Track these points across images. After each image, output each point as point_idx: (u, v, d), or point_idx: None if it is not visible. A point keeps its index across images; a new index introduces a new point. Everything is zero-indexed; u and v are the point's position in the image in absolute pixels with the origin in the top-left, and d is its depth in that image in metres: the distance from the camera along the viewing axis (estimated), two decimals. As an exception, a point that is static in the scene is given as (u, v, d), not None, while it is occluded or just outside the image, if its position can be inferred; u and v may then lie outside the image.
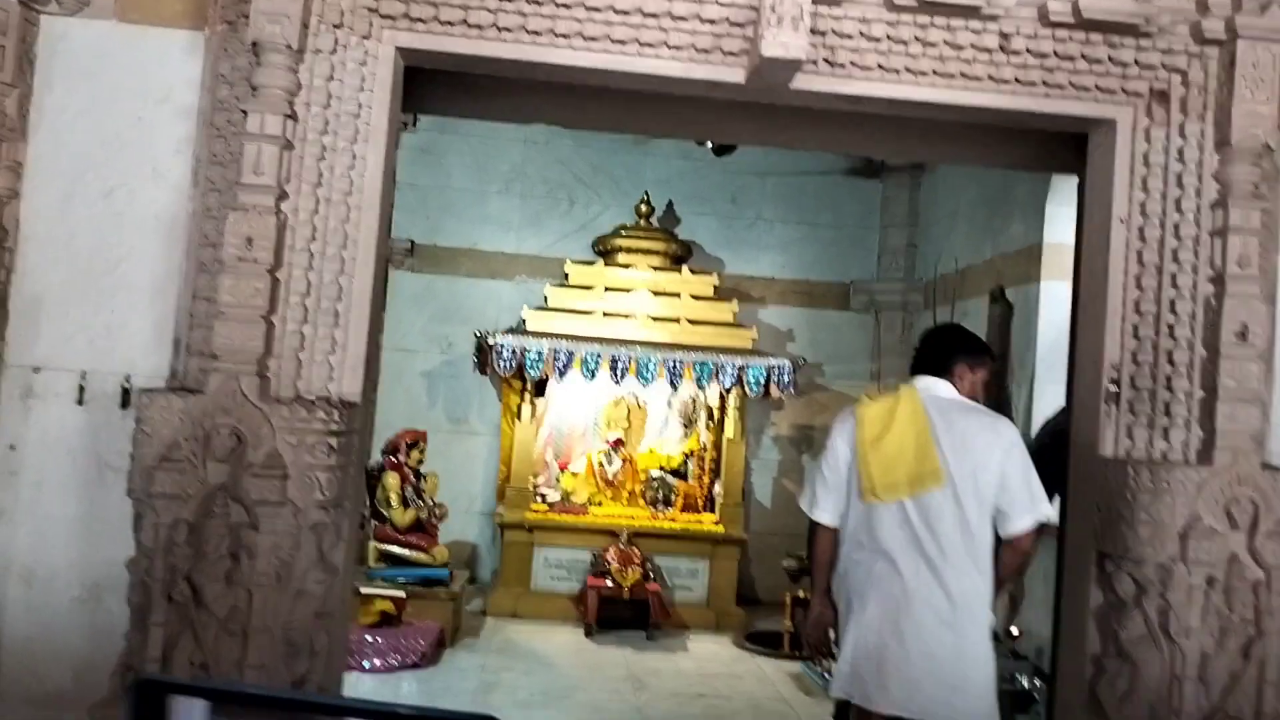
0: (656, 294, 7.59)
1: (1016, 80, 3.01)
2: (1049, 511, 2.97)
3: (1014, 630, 5.79)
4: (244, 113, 2.90)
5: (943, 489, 2.81)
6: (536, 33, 2.98)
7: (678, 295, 7.62)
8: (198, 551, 2.86)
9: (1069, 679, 3.25)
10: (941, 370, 3.05)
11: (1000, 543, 2.94)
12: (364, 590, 6.30)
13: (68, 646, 3.13)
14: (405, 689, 5.59)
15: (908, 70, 3.00)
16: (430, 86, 3.33)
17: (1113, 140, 3.09)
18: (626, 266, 7.70)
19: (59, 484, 3.14)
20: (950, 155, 4.27)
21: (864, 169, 8.62)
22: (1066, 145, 3.36)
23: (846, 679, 2.92)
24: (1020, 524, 2.91)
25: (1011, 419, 5.89)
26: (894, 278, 8.45)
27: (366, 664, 5.81)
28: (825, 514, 3.04)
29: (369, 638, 5.93)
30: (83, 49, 3.11)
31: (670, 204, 8.41)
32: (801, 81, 3.02)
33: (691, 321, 7.48)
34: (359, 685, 5.57)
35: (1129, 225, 3.06)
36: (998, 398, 5.85)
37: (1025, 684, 5.04)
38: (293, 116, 2.92)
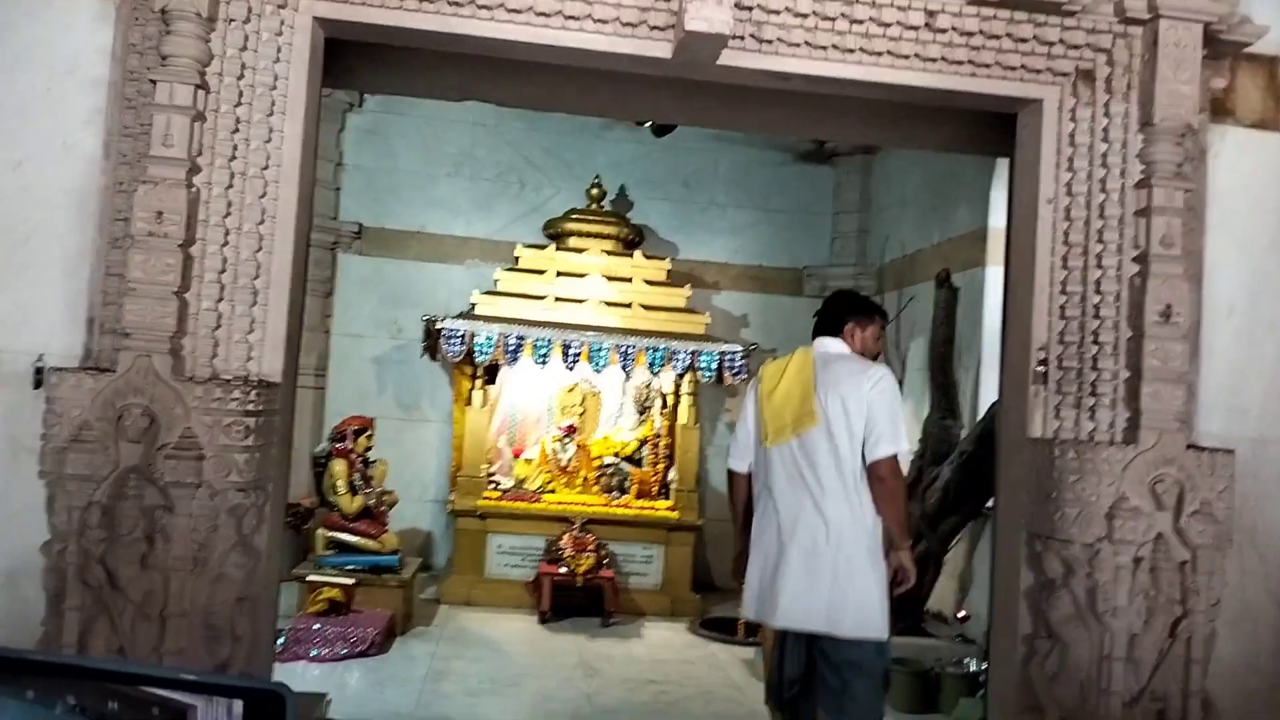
0: (609, 279, 7.53)
1: (943, 59, 3.00)
2: (908, 448, 3.17)
3: (962, 613, 5.84)
4: (153, 83, 2.82)
5: (819, 426, 3.08)
6: (459, 4, 2.92)
7: (630, 280, 7.56)
8: (112, 534, 2.79)
9: (1002, 660, 3.26)
10: (835, 330, 3.31)
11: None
12: (311, 578, 6.22)
13: (-18, 634, 3.04)
14: (353, 678, 5.52)
15: (835, 47, 2.97)
16: (353, 59, 3.26)
17: (1040, 120, 3.08)
18: (578, 251, 7.64)
19: (-30, 467, 3.05)
20: (882, 136, 4.26)
21: (816, 154, 8.62)
22: (997, 126, 3.35)
23: (751, 600, 3.24)
24: (878, 451, 3.05)
25: (958, 403, 5.94)
26: (846, 263, 8.46)
27: (314, 653, 5.72)
28: (737, 462, 3.37)
29: (316, 626, 5.84)
30: (-15, 18, 3.01)
31: (623, 188, 8.36)
32: (728, 58, 2.99)
33: (644, 307, 7.43)
34: (306, 674, 5.50)
35: (1056, 205, 3.06)
36: (944, 382, 5.87)
37: (973, 667, 5.08)
38: (204, 87, 2.84)
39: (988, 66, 3.03)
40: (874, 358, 3.32)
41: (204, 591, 2.86)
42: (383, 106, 8.06)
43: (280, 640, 5.69)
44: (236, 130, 2.92)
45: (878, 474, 3.05)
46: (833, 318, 3.33)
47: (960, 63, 3.02)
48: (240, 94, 2.92)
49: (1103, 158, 3.01)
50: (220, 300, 2.93)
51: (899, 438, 3.07)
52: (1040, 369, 3.09)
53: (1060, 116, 3.07)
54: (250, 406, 2.86)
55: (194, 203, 2.85)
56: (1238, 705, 3.15)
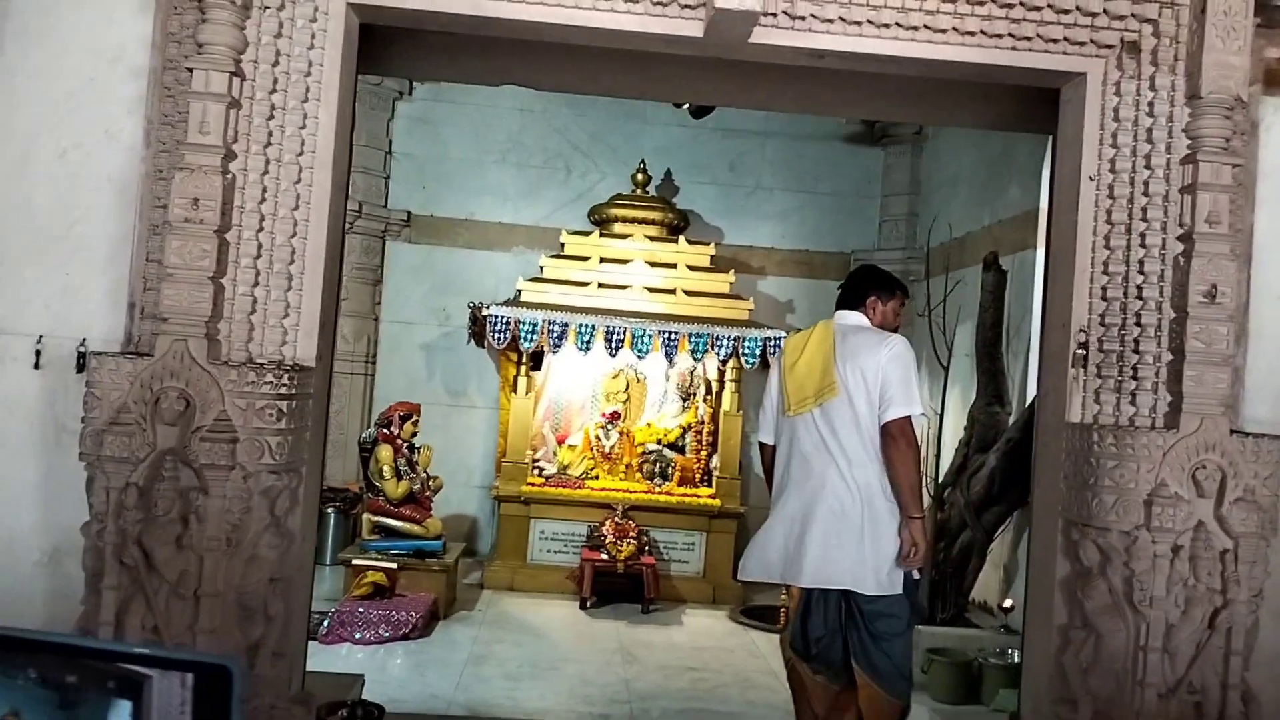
0: (653, 265, 7.51)
1: (982, 32, 2.92)
2: (920, 410, 3.26)
3: (1007, 603, 5.73)
4: (190, 71, 2.86)
5: (839, 396, 3.22)
6: (489, -13, 2.93)
7: (674, 266, 7.54)
8: (148, 515, 2.85)
9: (1036, 650, 3.19)
10: (857, 304, 3.45)
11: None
12: (356, 562, 6.32)
13: (29, 610, 3.13)
14: (395, 660, 5.60)
15: (869, 23, 2.92)
16: (387, 45, 3.29)
17: (1083, 94, 2.99)
18: (623, 237, 7.63)
19: (18, 448, 3.14)
20: (923, 114, 4.19)
21: (864, 135, 8.49)
22: (1041, 102, 3.26)
23: (774, 562, 3.32)
24: (891, 412, 3.18)
25: (1006, 390, 5.82)
26: (895, 247, 8.31)
27: (358, 635, 5.81)
28: (765, 435, 3.56)
29: (360, 609, 5.93)
30: (33, 9, 3.08)
31: (668, 173, 8.33)
32: (760, 35, 2.95)
33: (688, 293, 7.40)
34: (350, 657, 5.59)
35: (1099, 182, 2.97)
36: (991, 368, 5.75)
37: (1016, 658, 4.99)
38: (239, 74, 2.88)
39: (1029, 39, 2.95)
40: (894, 331, 3.40)
41: (237, 572, 2.91)
42: (432, 94, 8.13)
43: (325, 623, 5.80)
44: (271, 117, 2.96)
45: (889, 433, 3.16)
46: (854, 291, 3.47)
47: (1000, 35, 2.94)
48: (275, 80, 2.95)
49: (1148, 132, 2.92)
50: (255, 285, 2.98)
51: (911, 401, 3.18)
52: (1080, 352, 3.01)
53: (1104, 90, 2.98)
54: (283, 390, 2.90)
55: (229, 189, 2.89)
56: (1285, 700, 3.05)
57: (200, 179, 2.84)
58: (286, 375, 2.92)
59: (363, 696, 3.72)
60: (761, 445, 3.58)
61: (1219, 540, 2.83)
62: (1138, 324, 2.92)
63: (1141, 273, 2.92)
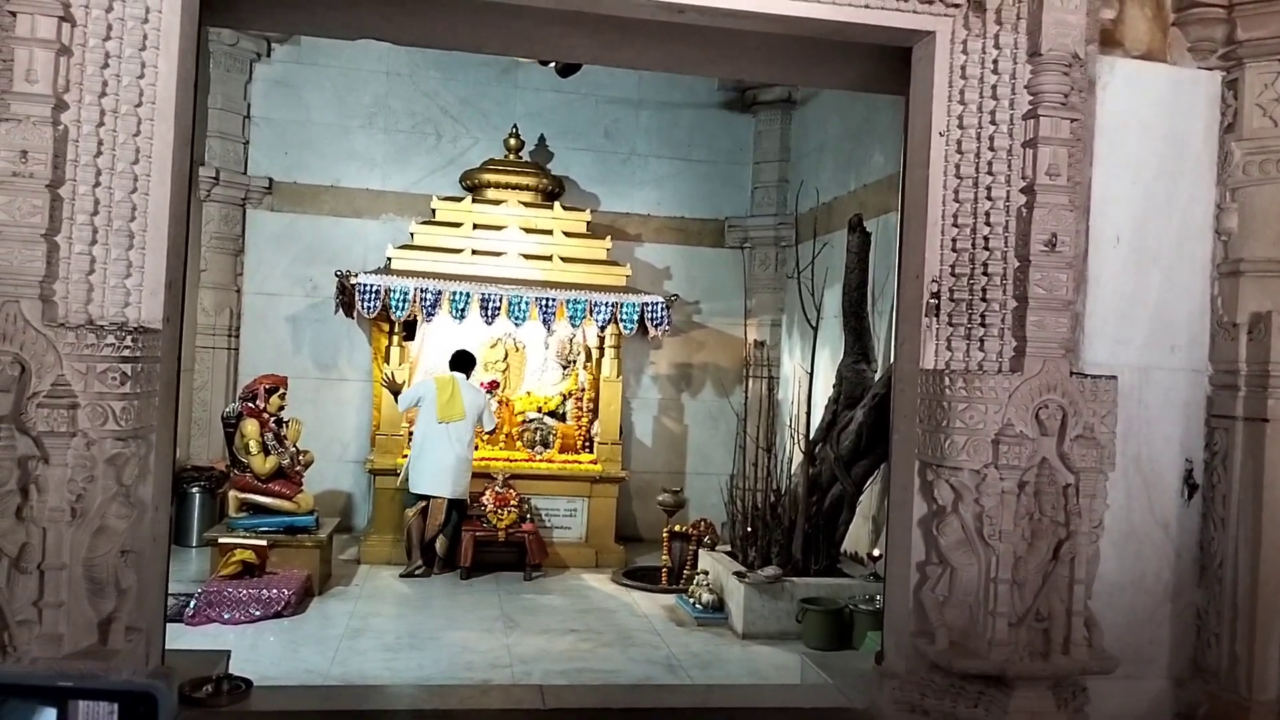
0: (528, 231, 7.44)
1: (836, -10, 2.98)
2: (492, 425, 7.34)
3: (875, 552, 5.95)
4: (13, 15, 2.67)
5: (466, 418, 6.78)
6: (338, -67, 2.82)
7: (550, 233, 7.49)
8: (-17, 488, 2.68)
9: (896, 587, 3.32)
10: (467, 370, 7.01)
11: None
12: (223, 540, 6.10)
13: None
14: (267, 639, 5.44)
15: (727, -23, 2.93)
16: (234, -6, 3.14)
17: (932, 53, 3.09)
18: (497, 203, 7.53)
19: None
20: (787, 74, 4.26)
21: (736, 103, 8.58)
22: (894, 63, 3.35)
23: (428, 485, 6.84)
24: (489, 427, 7.05)
25: (871, 347, 6.01)
26: (766, 213, 8.46)
27: (227, 615, 5.62)
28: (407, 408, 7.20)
29: (229, 589, 5.73)
30: None
31: (542, 138, 8.24)
32: (619, -11, 2.94)
33: (564, 259, 7.37)
34: (220, 637, 5.40)
35: (948, 139, 3.08)
36: (857, 327, 5.92)
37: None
38: (69, 19, 2.70)
39: (880, -2, 3.02)
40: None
41: (84, 544, 2.77)
42: (292, 56, 7.82)
43: (191, 604, 5.60)
44: (106, 65, 2.79)
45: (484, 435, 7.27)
46: (467, 364, 7.03)
47: (853, -6, 3.00)
48: (109, 27, 2.78)
49: (993, 90, 3.03)
50: (94, 243, 2.81)
51: (491, 423, 7.23)
52: (933, 301, 3.12)
53: (952, 49, 3.08)
54: (127, 352, 2.76)
55: (62, 141, 2.72)
56: (1122, 623, 3.26)
57: (29, 130, 2.66)
58: (130, 337, 2.78)
59: (230, 673, 3.61)
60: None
61: (1061, 476, 3.00)
62: (985, 273, 3.05)
63: (988, 224, 3.04)
